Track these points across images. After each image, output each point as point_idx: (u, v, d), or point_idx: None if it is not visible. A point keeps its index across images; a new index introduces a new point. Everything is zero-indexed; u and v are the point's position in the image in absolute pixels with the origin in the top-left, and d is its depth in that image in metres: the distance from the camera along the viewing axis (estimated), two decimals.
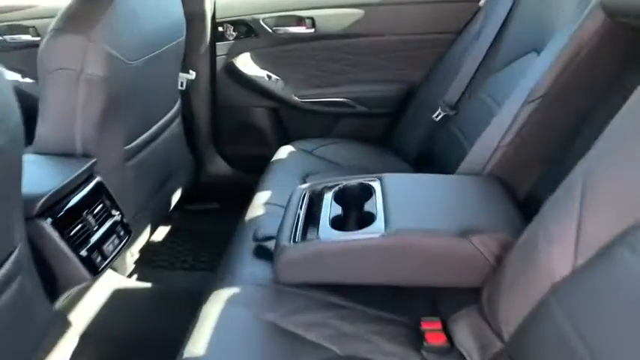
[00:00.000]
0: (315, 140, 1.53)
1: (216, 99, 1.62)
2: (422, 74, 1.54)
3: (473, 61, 1.32)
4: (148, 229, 1.32)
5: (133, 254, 1.27)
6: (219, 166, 1.73)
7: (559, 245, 0.58)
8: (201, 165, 1.71)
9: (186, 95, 1.57)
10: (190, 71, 1.53)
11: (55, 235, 0.88)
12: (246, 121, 1.66)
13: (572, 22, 0.90)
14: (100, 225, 1.01)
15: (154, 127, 1.25)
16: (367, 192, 0.94)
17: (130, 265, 1.40)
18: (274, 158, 1.41)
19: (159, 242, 1.59)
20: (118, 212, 1.07)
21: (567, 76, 0.87)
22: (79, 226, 0.95)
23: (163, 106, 1.32)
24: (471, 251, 0.75)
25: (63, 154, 1.03)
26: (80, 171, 0.97)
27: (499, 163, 0.95)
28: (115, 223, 1.06)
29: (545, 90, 0.88)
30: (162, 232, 1.65)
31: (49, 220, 0.88)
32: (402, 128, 1.54)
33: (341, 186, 0.96)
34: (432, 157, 1.41)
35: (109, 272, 1.27)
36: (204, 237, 1.63)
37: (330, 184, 0.99)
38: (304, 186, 1.01)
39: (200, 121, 1.64)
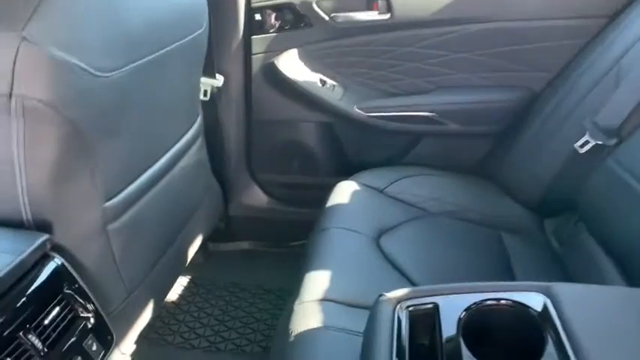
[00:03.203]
0: (385, 171, 1.09)
1: (251, 111, 1.21)
2: (548, 78, 1.05)
3: None
4: (150, 306, 0.93)
5: (124, 353, 0.89)
6: (253, 196, 1.32)
7: None
8: (231, 195, 1.31)
9: (211, 107, 1.16)
10: (217, 75, 1.12)
11: None
12: (290, 139, 1.23)
13: None
14: (54, 343, 0.62)
15: (159, 164, 0.85)
16: (529, 326, 0.49)
17: None
18: (330, 202, 0.98)
19: (171, 306, 1.21)
20: (91, 312, 0.69)
21: None
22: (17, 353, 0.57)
23: (173, 130, 0.92)
24: None
25: (3, 223, 0.65)
26: (13, 262, 0.58)
27: None
28: (83, 332, 0.67)
29: None
30: (174, 291, 1.26)
31: None
32: (515, 157, 1.06)
33: (475, 309, 0.51)
34: (571, 204, 0.94)
35: None
36: (232, 298, 1.23)
37: (445, 300, 0.54)
38: (394, 295, 0.56)
39: (230, 140, 1.23)
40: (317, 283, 0.74)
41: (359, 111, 1.13)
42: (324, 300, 0.70)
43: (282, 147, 1.25)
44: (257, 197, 1.33)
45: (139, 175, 0.80)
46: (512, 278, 0.84)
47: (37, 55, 0.54)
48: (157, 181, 0.86)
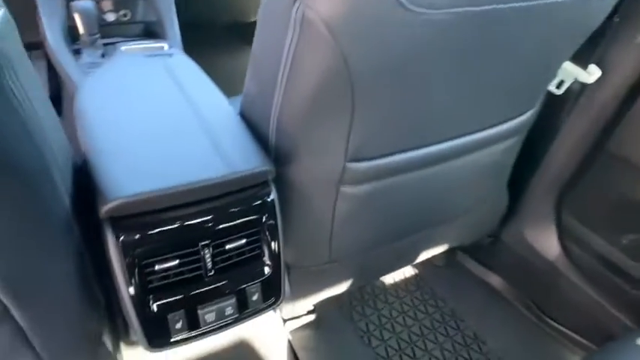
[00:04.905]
0: None
1: (611, 134, 0.81)
2: None
3: None
4: (345, 283, 0.81)
5: (283, 318, 0.79)
6: (543, 237, 0.97)
7: None
8: (515, 220, 0.99)
9: (555, 106, 0.83)
10: (591, 67, 0.77)
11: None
12: None
13: None
14: (222, 272, 0.57)
15: (440, 146, 0.64)
16: None
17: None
18: None
19: (367, 290, 1.06)
20: (272, 263, 0.60)
21: None
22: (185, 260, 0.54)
23: (485, 113, 0.67)
24: None
25: (256, 128, 0.60)
26: (229, 176, 0.53)
27: None
28: (252, 275, 0.59)
29: None
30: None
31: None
32: None
33: None
34: None
35: None
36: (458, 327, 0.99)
37: None
38: None
39: (554, 158, 0.89)
40: None
41: None
42: None
43: (625, 203, 0.82)
44: (547, 241, 0.97)
45: (403, 150, 0.61)
46: None
47: None
48: (427, 165, 0.66)
